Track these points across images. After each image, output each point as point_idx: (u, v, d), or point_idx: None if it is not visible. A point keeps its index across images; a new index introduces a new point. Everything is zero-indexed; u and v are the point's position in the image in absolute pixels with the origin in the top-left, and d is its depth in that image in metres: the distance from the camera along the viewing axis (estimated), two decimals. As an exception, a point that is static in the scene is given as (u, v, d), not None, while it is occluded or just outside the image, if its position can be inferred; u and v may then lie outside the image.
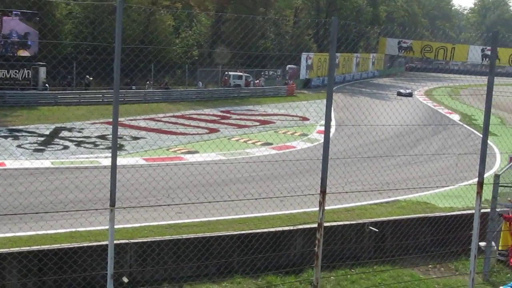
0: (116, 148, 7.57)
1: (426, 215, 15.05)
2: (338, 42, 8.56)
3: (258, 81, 57.93)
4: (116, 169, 7.49)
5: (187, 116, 39.14)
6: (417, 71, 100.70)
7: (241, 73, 54.94)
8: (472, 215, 10.84)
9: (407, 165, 24.47)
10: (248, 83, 55.51)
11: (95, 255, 10.74)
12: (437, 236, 13.86)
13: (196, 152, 26.55)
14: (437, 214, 15.32)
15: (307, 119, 38.80)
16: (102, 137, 29.12)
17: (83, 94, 42.63)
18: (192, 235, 12.16)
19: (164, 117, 37.72)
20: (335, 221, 14.03)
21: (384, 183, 20.50)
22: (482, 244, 12.66)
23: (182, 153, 26.40)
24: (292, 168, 21.96)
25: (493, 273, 13.26)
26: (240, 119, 39.49)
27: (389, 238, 13.73)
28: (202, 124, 35.71)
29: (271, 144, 29.13)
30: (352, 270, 12.66)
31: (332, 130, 31.25)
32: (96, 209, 14.07)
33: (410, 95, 56.57)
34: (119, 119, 7.75)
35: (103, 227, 13.02)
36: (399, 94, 55.41)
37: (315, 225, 8.97)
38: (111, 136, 7.57)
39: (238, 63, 55.47)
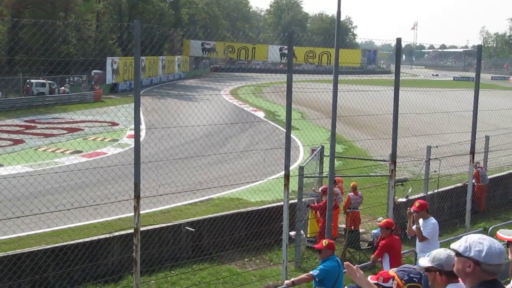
0: None
1: (239, 210, 15.59)
2: (142, 45, 8.62)
3: (63, 88, 55.99)
4: None
5: (-13, 128, 36.81)
6: (221, 72, 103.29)
7: (44, 81, 52.72)
8: (281, 207, 11.45)
9: (218, 164, 25.09)
10: (52, 90, 53.42)
11: None
12: (251, 230, 14.42)
13: (0, 165, 25.09)
14: (249, 208, 15.94)
15: (117, 124, 38.26)
16: None
17: None
18: (1, 254, 11.54)
19: (-40, 130, 35.16)
20: (151, 224, 14.06)
21: (197, 183, 20.87)
22: (292, 233, 13.40)
23: (-16, 168, 24.82)
24: (104, 175, 21.54)
25: (304, 260, 14.09)
26: (47, 128, 37.93)
27: (205, 237, 14.03)
28: (5, 135, 33.75)
29: (80, 151, 28.32)
30: (172, 272, 12.78)
31: (142, 134, 31.14)
32: None
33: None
34: None
35: None
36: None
37: (132, 231, 8.95)
38: None
39: (40, 70, 53.12)
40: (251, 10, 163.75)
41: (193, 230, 13.61)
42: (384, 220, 10.62)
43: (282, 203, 11.77)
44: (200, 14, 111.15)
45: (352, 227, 15.08)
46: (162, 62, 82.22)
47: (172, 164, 22.32)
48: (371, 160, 22.16)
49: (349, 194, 15.49)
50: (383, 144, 20.55)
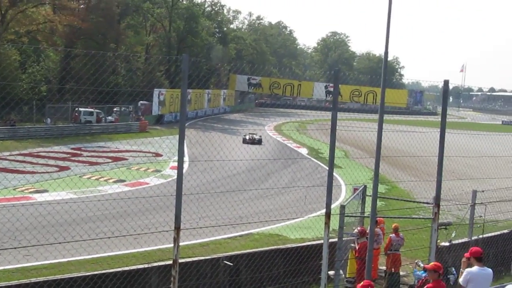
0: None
1: (279, 247, 15.46)
2: (189, 78, 8.70)
3: (116, 117, 57.10)
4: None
5: (35, 154, 37.57)
6: (266, 107, 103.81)
7: (92, 109, 53.80)
8: (321, 245, 11.32)
9: (259, 199, 25.05)
10: (99, 119, 54.45)
11: None
12: (290, 267, 14.26)
13: (45, 191, 25.52)
14: (288, 245, 15.79)
15: (160, 155, 38.64)
16: None
17: None
18: (41, 279, 11.64)
19: (10, 155, 35.93)
20: (190, 257, 14.04)
21: (237, 217, 20.84)
22: (331, 272, 13.20)
23: (30, 192, 25.28)
24: (145, 205, 21.73)
25: (342, 300, 13.84)
26: (92, 156, 38.54)
27: (243, 271, 13.93)
28: (52, 162, 34.42)
29: (124, 181, 28.64)
30: (208, 305, 12.70)
31: (185, 166, 31.35)
32: None
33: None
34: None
35: None
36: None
37: (170, 262, 8.95)
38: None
39: (89, 99, 54.25)
40: (298, 47, 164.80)
41: (231, 264, 13.53)
42: (432, 263, 10.37)
43: (322, 241, 11.63)
44: (248, 50, 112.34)
45: (393, 269, 14.79)
46: (208, 96, 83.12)
47: (213, 197, 22.39)
48: (414, 202, 21.84)
49: (391, 235, 15.23)
50: (427, 186, 20.28)
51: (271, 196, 26.04)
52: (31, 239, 14.99)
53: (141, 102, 64.04)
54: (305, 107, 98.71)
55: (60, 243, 14.37)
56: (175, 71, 74.75)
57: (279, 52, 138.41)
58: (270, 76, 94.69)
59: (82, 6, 67.76)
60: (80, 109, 53.26)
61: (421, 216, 21.07)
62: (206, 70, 76.72)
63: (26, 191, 25.57)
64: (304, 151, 46.99)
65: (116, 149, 42.33)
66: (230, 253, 14.55)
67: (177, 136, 8.68)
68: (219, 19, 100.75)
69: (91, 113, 53.84)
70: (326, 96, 77.21)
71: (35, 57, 60.67)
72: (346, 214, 13.79)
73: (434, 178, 12.13)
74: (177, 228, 8.65)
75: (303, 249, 14.73)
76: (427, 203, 16.21)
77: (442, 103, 11.96)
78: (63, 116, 52.35)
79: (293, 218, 21.27)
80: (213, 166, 26.87)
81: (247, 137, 47.98)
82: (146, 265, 12.78)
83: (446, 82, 11.85)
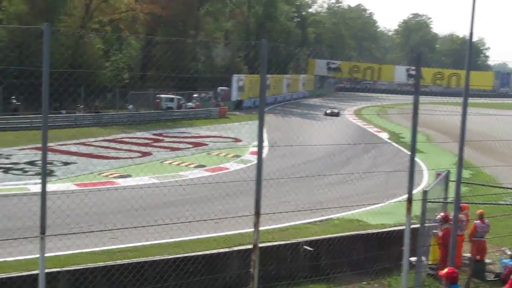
0: (45, 174, 7.42)
1: (359, 232, 15.29)
2: (268, 63, 8.66)
3: (198, 103, 57.99)
4: (46, 196, 7.33)
5: (119, 140, 38.63)
6: (346, 91, 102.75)
7: (172, 96, 54.76)
8: (402, 231, 11.11)
9: (339, 184, 24.83)
10: (180, 106, 55.36)
11: (25, 286, 10.42)
12: (370, 253, 14.09)
13: (129, 176, 26.21)
14: (369, 231, 15.61)
15: (240, 141, 38.93)
16: (31, 163, 28.37)
17: (10, 119, 41.47)
18: (126, 261, 11.96)
19: (95, 141, 37.11)
20: (270, 241, 14.08)
21: (317, 202, 20.72)
22: (413, 259, 12.94)
23: (114, 177, 26.02)
24: (226, 189, 21.92)
25: (425, 287, 13.57)
26: (173, 141, 39.25)
27: (323, 257, 13.87)
28: (134, 147, 35.29)
29: (204, 166, 29.03)
30: (288, 290, 12.71)
31: (265, 151, 31.45)
32: (26, 238, 13.66)
33: (337, 114, 56.95)
34: (49, 144, 7.60)
35: (33, 256, 12.64)
36: (326, 114, 55.84)
37: (251, 246, 8.98)
38: (40, 162, 7.41)
39: (170, 86, 55.26)
40: (378, 30, 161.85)
41: (311, 249, 13.49)
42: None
43: (403, 227, 11.41)
44: (327, 34, 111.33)
45: (478, 256, 14.36)
46: (287, 81, 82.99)
47: (293, 182, 22.35)
48: (500, 187, 21.10)
49: (475, 222, 14.78)
50: (514, 171, 19.56)
51: (351, 181, 25.76)
52: (116, 223, 15.43)
53: (220, 88, 64.64)
54: (385, 91, 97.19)
55: (143, 226, 14.68)
56: (254, 57, 74.99)
57: (359, 36, 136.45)
58: (349, 60, 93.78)
59: (162, -6, 68.82)
60: (161, 95, 54.32)
61: (508, 202, 20.36)
62: (285, 55, 76.56)
63: (111, 176, 26.33)
64: (385, 135, 46.28)
65: (197, 135, 42.96)
66: (310, 238, 14.50)
67: (256, 122, 8.67)
68: (297, 3, 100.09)
69: (171, 100, 54.81)
70: (408, 79, 75.66)
71: (118, 45, 62.22)
72: (428, 200, 13.47)
73: (522, 163, 11.66)
74: (257, 213, 8.67)
75: (384, 235, 14.52)
76: (515, 188, 15.64)
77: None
78: (145, 103, 53.57)
79: (374, 204, 20.99)
80: (293, 151, 26.84)
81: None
82: (227, 249, 12.92)
83: (535, 63, 11.32)
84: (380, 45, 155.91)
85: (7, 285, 10.33)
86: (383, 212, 20.23)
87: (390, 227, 16.31)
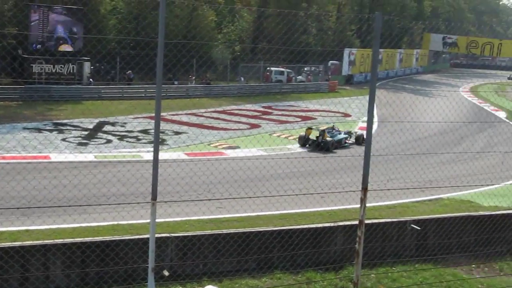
0: (158, 142, 7.62)
1: (470, 214, 14.77)
2: (381, 38, 8.45)
3: (309, 77, 57.91)
4: (158, 163, 7.54)
5: (229, 111, 39.25)
6: (462, 67, 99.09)
7: (283, 69, 54.86)
8: (518, 214, 10.63)
9: (450, 163, 24.09)
10: (290, 79, 55.38)
11: (136, 248, 10.84)
12: (481, 236, 13.60)
13: (237, 147, 26.60)
14: (481, 213, 15.03)
15: (349, 116, 38.51)
16: (145, 131, 29.40)
17: (126, 89, 43.09)
18: (232, 230, 12.17)
19: (205, 112, 37.90)
20: (376, 218, 13.88)
21: (427, 181, 20.21)
22: (528, 244, 12.40)
23: (224, 148, 26.50)
24: (333, 164, 21.84)
25: (539, 274, 12.97)
26: (282, 114, 39.42)
27: (431, 237, 13.53)
28: (244, 119, 35.76)
29: (312, 140, 28.97)
30: (393, 268, 12.51)
31: (375, 126, 30.90)
32: (138, 203, 14.21)
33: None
34: (161, 114, 7.80)
35: (144, 221, 13.13)
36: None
37: (356, 222, 8.89)
38: (153, 130, 7.62)
39: (280, 59, 55.36)
40: (501, 3, 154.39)
41: (419, 228, 13.18)
42: None
43: (519, 211, 10.92)
44: (444, 7, 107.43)
45: None
46: (400, 55, 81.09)
47: (402, 160, 21.91)
48: None
49: None
50: None
51: (464, 160, 24.92)
52: (223, 192, 15.73)
53: (331, 61, 64.07)
54: (506, 67, 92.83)
55: (250, 197, 14.90)
56: (367, 31, 73.63)
57: (479, 9, 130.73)
58: (467, 35, 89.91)
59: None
60: (272, 68, 54.53)
61: None
62: (399, 29, 74.72)
63: (220, 146, 26.83)
64: (502, 114, 44.35)
65: (306, 108, 42.91)
66: (417, 217, 14.17)
67: (367, 97, 8.50)
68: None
69: (282, 73, 54.94)
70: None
71: (230, 18, 62.93)
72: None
73: None
74: (364, 189, 8.54)
75: (497, 218, 13.94)
76: None
77: None
78: (255, 75, 54.00)
79: (488, 185, 20.17)
80: (403, 127, 26.19)
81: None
82: (332, 224, 12.86)
83: None
84: (502, 19, 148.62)
85: (119, 247, 10.79)
86: (497, 194, 19.40)
87: (504, 210, 15.65)
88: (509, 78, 48.95)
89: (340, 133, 28.94)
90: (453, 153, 25.17)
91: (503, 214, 14.30)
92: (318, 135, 27.56)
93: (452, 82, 70.66)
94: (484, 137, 32.42)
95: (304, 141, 27.54)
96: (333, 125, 29.51)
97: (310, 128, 28.38)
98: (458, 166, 23.46)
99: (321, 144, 27.07)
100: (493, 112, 46.00)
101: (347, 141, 29.00)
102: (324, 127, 28.72)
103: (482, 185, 19.84)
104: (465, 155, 25.03)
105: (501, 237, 13.65)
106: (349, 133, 29.58)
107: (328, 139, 27.49)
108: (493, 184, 20.31)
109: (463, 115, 39.82)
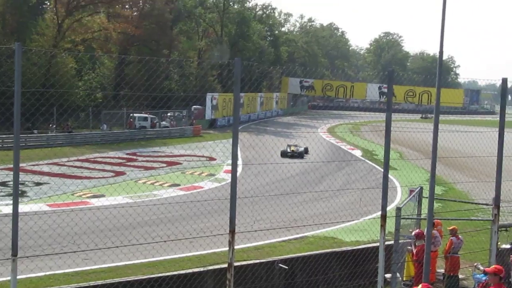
0: (17, 195, 7.33)
1: (334, 250, 15.33)
2: (242, 82, 8.70)
3: (172, 122, 57.98)
4: (18, 217, 7.24)
5: (92, 159, 38.33)
6: (319, 109, 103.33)
7: (146, 115, 54.59)
8: (377, 248, 11.17)
9: (313, 201, 24.89)
10: (154, 125, 55.18)
11: (-4, 308, 10.25)
12: (345, 270, 14.12)
13: (102, 195, 25.98)
14: (344, 248, 15.65)
15: (214, 159, 38.89)
16: (3, 184, 28.00)
17: (-19, 139, 40.92)
18: (99, 282, 11.84)
19: (68, 161, 36.75)
20: (245, 260, 14.05)
21: (292, 220, 20.75)
22: (388, 275, 13.00)
23: (88, 197, 25.78)
24: (200, 208, 21.86)
25: (400, 304, 13.61)
26: (147, 161, 39.07)
27: (298, 275, 13.86)
28: (108, 167, 35.02)
29: (178, 185, 28.91)
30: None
31: (239, 169, 31.45)
32: (-3, 260, 13.45)
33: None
34: (21, 165, 7.53)
35: (4, 278, 12.44)
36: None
37: (226, 265, 8.96)
38: (12, 182, 7.32)
39: (143, 105, 55.08)
40: (350, 48, 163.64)
41: (287, 267, 13.48)
42: (493, 266, 10.07)
43: (378, 244, 11.47)
44: (299, 52, 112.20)
45: (451, 272, 14.46)
46: (260, 99, 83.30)
47: (267, 200, 22.37)
48: (472, 203, 21.33)
49: (451, 238, 14.88)
50: (485, 187, 19.79)
51: (325, 198, 25.87)
52: (89, 243, 15.27)
53: (194, 106, 64.65)
54: (358, 108, 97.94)
55: (117, 247, 14.58)
56: (228, 75, 75.20)
57: (331, 54, 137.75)
58: (322, 78, 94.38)
59: (135, 13, 68.91)
60: (135, 114, 54.11)
61: (480, 218, 20.57)
62: (258, 74, 76.87)
63: (84, 196, 26.08)
64: (358, 153, 46.54)
65: (171, 154, 42.81)
66: (285, 256, 14.50)
67: (231, 140, 8.69)
68: (270, 22, 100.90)
69: (145, 119, 54.66)
70: (380, 97, 76.42)
71: (91, 65, 62.04)
72: (402, 216, 13.56)
73: (492, 179, 11.81)
74: (232, 231, 8.65)
75: (358, 252, 14.57)
76: (486, 204, 15.82)
77: (501, 101, 11.65)
78: (118, 122, 53.30)
79: (348, 221, 21.05)
80: (267, 169, 26.86)
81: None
82: (201, 269, 12.87)
83: (504, 80, 11.54)
84: (352, 63, 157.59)
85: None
86: (357, 229, 20.31)
87: (364, 244, 16.37)
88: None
89: None
90: (315, 191, 26.02)
91: (363, 248, 14.96)
92: None
93: (311, 123, 73.44)
94: (342, 175, 33.88)
95: None
96: None
97: None
98: (320, 204, 24.28)
99: None
100: (350, 151, 48.18)
101: None
102: None
103: (343, 221, 20.68)
104: (326, 193, 25.96)
105: (363, 270, 14.24)
106: None
107: None
108: (353, 220, 21.21)
109: (322, 155, 41.44)
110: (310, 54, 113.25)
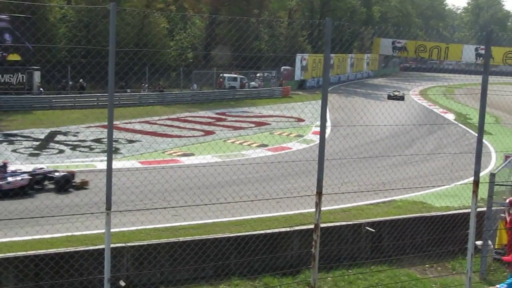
0: (111, 151, 7.55)
1: (423, 214, 15.04)
2: (332, 43, 8.54)
3: (261, 83, 58.16)
4: (111, 173, 7.46)
5: (182, 118, 39.10)
6: (411, 71, 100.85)
7: (236, 75, 54.93)
8: (468, 214, 10.86)
9: (402, 165, 24.49)
10: (243, 85, 55.50)
11: (91, 259, 10.71)
12: (434, 236, 13.85)
13: (192, 154, 26.51)
14: (433, 213, 15.32)
15: (303, 120, 38.80)
16: (98, 140, 29.05)
17: (78, 97, 42.50)
18: (188, 238, 12.13)
19: (159, 120, 37.67)
20: (331, 222, 14.01)
21: (380, 183, 20.50)
22: (479, 243, 12.67)
23: (178, 155, 26.37)
24: (288, 169, 21.95)
25: (490, 272, 13.27)
26: (236, 121, 39.46)
27: (386, 238, 13.72)
28: (198, 126, 35.66)
29: (266, 145, 29.10)
30: (350, 271, 12.64)
31: (328, 131, 31.25)
32: (92, 213, 14.03)
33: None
34: (114, 123, 7.73)
35: (99, 231, 12.95)
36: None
37: (312, 226, 8.95)
38: (106, 139, 7.54)
39: (233, 65, 55.46)
40: (446, 8, 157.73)
41: (374, 230, 13.35)
42: None
43: (469, 210, 11.14)
44: (392, 12, 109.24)
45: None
46: (351, 60, 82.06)
47: (355, 163, 22.15)
48: None
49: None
50: None
51: (415, 162, 25.37)
52: (179, 200, 15.65)
53: (283, 67, 64.43)
54: (453, 70, 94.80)
55: (206, 204, 14.88)
56: (318, 36, 74.34)
57: (426, 14, 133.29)
58: (416, 39, 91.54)
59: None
60: (225, 75, 54.55)
61: None
62: (349, 34, 75.70)
63: (174, 154, 26.69)
64: (451, 116, 45.28)
65: (259, 114, 43.05)
66: (372, 219, 14.36)
67: (320, 101, 8.58)
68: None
69: (235, 79, 54.99)
70: (476, 59, 73.60)
71: (182, 25, 62.76)
72: (496, 183, 13.13)
73: None
74: (319, 193, 8.61)
75: (448, 218, 14.23)
76: None
77: None
78: (208, 82, 53.94)
79: (439, 186, 20.57)
80: (356, 131, 26.57)
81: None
82: (288, 229, 12.92)
83: None
84: (448, 24, 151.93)
85: (74, 258, 10.63)
86: (448, 195, 19.81)
87: (455, 210, 15.98)
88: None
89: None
90: (404, 155, 25.57)
91: (454, 214, 14.59)
92: None
93: (402, 86, 71.76)
94: (434, 139, 33.07)
95: None
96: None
97: None
98: (409, 168, 23.87)
99: None
100: (442, 114, 46.94)
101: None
102: None
103: (433, 186, 20.22)
104: (416, 157, 25.47)
105: (453, 236, 13.92)
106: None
107: None
108: (444, 185, 20.71)
109: (413, 118, 40.54)
110: (404, 14, 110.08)
